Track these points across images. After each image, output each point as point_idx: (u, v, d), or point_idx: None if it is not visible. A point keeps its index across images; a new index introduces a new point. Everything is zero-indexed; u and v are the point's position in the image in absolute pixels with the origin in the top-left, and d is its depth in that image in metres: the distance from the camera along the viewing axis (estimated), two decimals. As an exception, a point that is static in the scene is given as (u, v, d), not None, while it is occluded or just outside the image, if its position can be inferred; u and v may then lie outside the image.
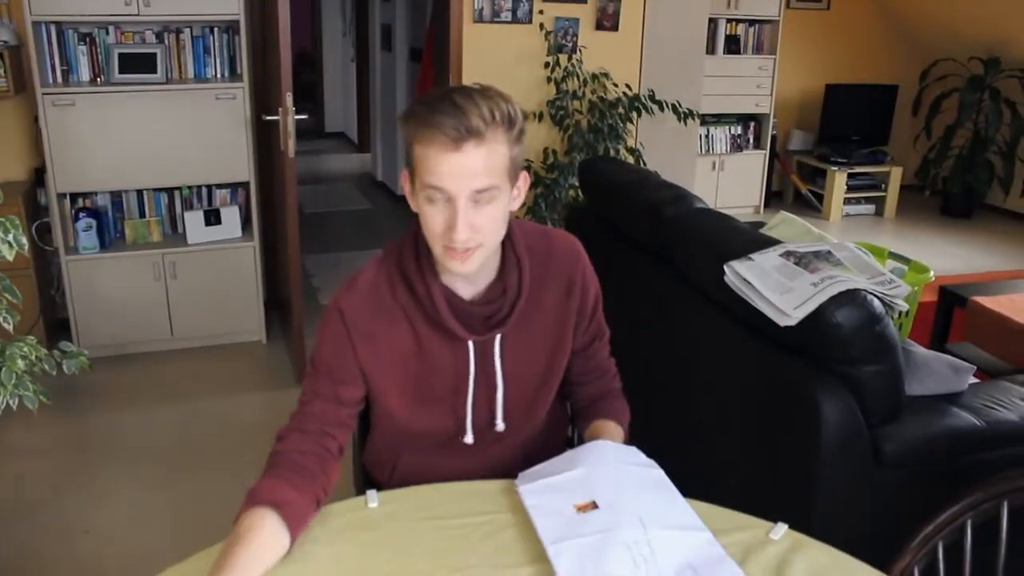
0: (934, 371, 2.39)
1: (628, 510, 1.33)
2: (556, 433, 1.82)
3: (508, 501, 1.45)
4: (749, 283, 2.25)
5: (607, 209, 3.34)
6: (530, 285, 1.56)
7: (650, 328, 2.89)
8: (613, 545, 1.26)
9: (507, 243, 1.53)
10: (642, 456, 1.51)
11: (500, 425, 1.62)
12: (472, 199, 1.36)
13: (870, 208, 7.38)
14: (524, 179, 1.47)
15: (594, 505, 1.35)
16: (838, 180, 7.09)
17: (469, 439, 1.61)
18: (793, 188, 7.62)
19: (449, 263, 1.43)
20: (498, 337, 1.55)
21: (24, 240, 2.46)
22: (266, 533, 1.30)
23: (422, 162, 1.36)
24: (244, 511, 1.34)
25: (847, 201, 7.25)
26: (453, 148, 1.33)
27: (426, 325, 1.52)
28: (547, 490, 1.42)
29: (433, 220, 1.39)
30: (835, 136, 7.32)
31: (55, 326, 4.22)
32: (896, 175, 7.26)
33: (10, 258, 2.44)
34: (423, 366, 1.54)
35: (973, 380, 2.44)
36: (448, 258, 1.42)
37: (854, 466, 2.10)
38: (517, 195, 1.47)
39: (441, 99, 1.36)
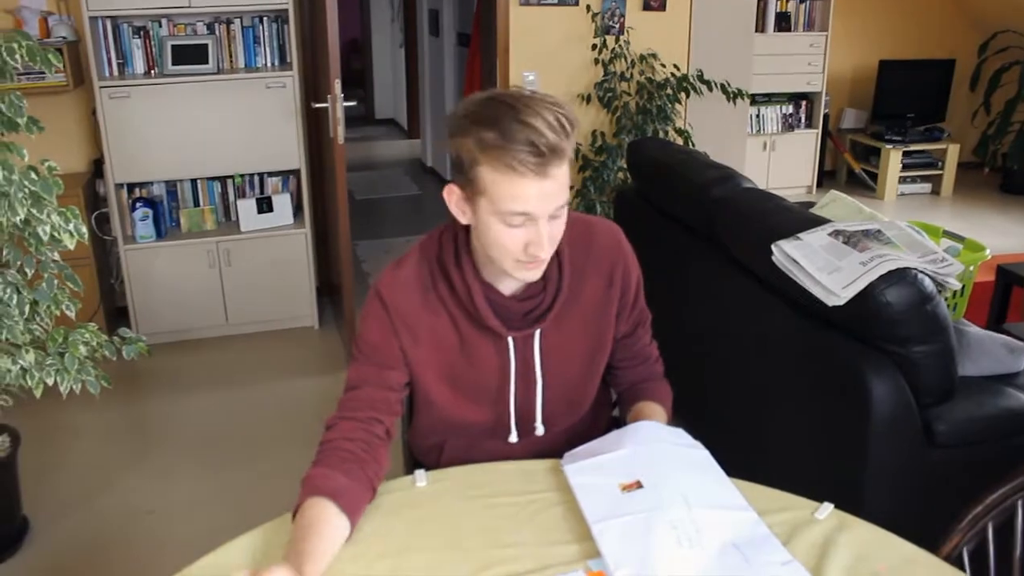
0: (988, 351, 2.35)
1: (673, 490, 1.34)
2: (599, 418, 1.82)
3: (555, 480, 1.47)
4: (797, 262, 2.24)
5: (655, 190, 3.33)
6: (572, 276, 1.55)
7: (699, 309, 2.88)
8: (657, 524, 1.27)
9: None
10: (687, 437, 1.51)
11: (540, 428, 1.63)
12: (552, 215, 1.37)
13: (926, 187, 7.22)
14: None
15: (639, 485, 1.36)
16: (893, 158, 6.95)
17: (513, 438, 1.63)
18: (846, 167, 7.49)
19: (522, 274, 1.43)
20: (538, 333, 1.55)
21: (84, 229, 2.53)
22: (331, 525, 1.30)
23: (498, 189, 1.33)
24: (303, 501, 1.34)
25: (902, 180, 7.11)
26: (538, 175, 1.31)
27: (467, 321, 1.52)
28: (592, 470, 1.43)
29: (511, 241, 1.37)
30: (889, 114, 7.16)
31: (114, 314, 4.34)
32: (953, 152, 7.09)
33: (71, 247, 2.51)
34: (466, 361, 1.55)
35: (1030, 360, 2.40)
36: (521, 269, 1.42)
37: (905, 446, 2.08)
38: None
39: (508, 119, 1.30)
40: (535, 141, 1.28)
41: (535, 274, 1.44)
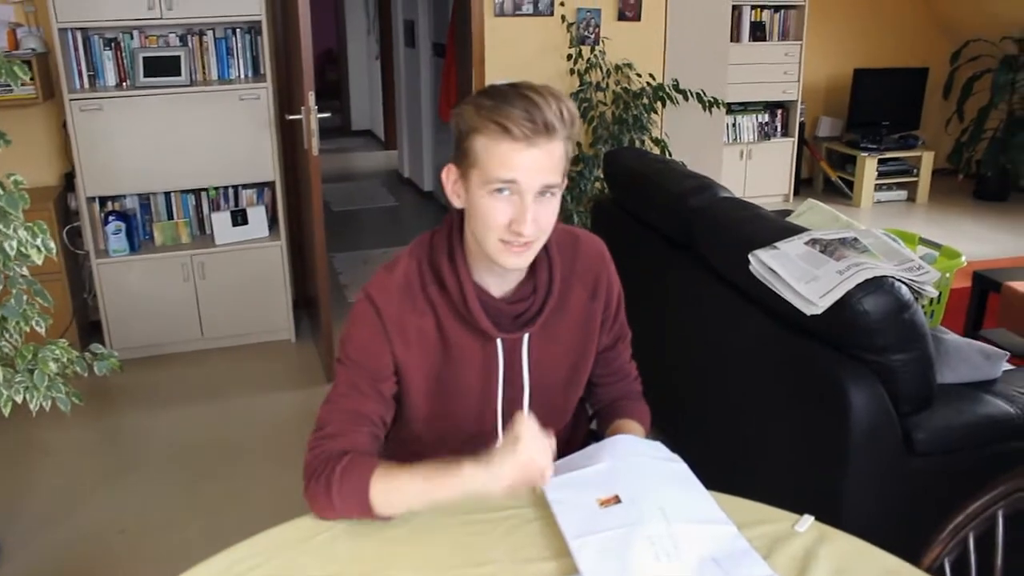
0: (966, 358, 2.35)
1: (651, 504, 1.32)
2: (579, 429, 1.80)
3: (531, 496, 1.44)
4: (774, 272, 2.23)
5: (632, 200, 3.32)
6: (560, 283, 1.54)
7: (676, 319, 2.87)
8: (636, 539, 1.25)
9: None
10: (665, 450, 1.50)
11: None
12: (540, 193, 1.36)
13: (902, 194, 7.28)
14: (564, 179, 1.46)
15: (617, 499, 1.34)
16: (868, 166, 7.00)
17: (500, 443, 1.60)
18: (823, 175, 7.53)
19: (504, 258, 1.41)
20: (526, 337, 1.54)
21: (52, 244, 2.49)
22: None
23: (489, 155, 1.35)
24: (370, 473, 1.36)
25: (878, 187, 7.16)
26: (527, 142, 1.32)
27: (455, 322, 1.50)
28: (570, 485, 1.41)
29: (497, 214, 1.37)
30: (864, 121, 7.21)
31: (88, 329, 4.28)
32: (928, 159, 7.15)
33: (39, 262, 2.47)
34: (449, 364, 1.53)
35: (1007, 367, 2.41)
36: (504, 252, 1.40)
37: (884, 455, 2.07)
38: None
39: (510, 92, 1.35)
40: (530, 110, 1.32)
41: (519, 261, 1.41)
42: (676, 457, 1.48)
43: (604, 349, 1.69)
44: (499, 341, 1.52)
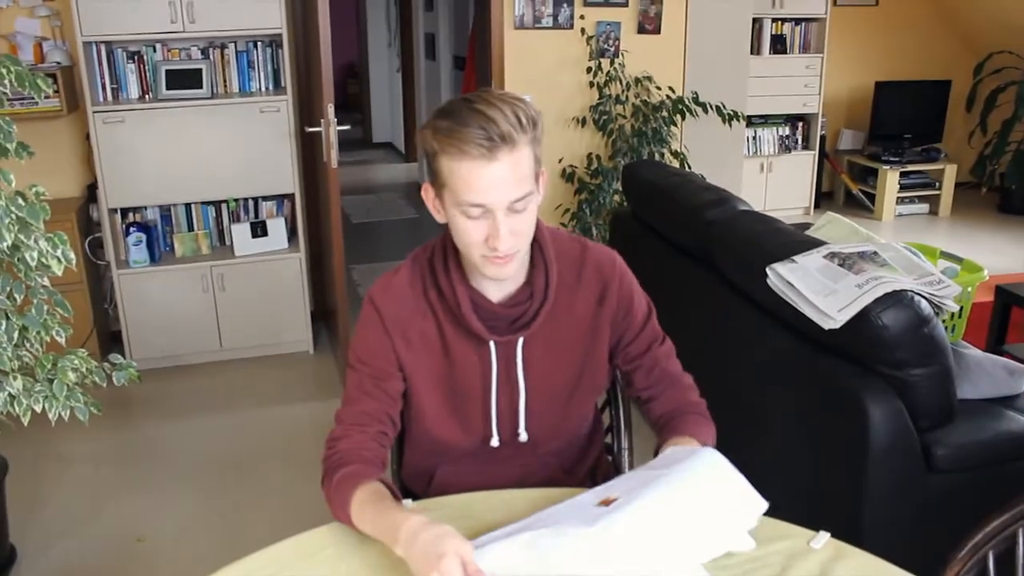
0: (988, 374, 2.33)
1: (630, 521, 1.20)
2: (593, 444, 1.79)
3: (542, 508, 1.43)
4: (792, 285, 2.21)
5: (650, 213, 3.32)
6: (560, 291, 1.55)
7: (695, 332, 2.86)
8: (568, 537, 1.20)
9: (535, 247, 1.53)
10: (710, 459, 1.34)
11: (523, 435, 1.60)
12: (510, 208, 1.36)
13: (924, 207, 7.21)
14: (543, 175, 1.46)
15: (608, 502, 1.26)
16: (890, 179, 6.94)
17: (495, 442, 1.60)
18: (844, 188, 7.48)
19: (489, 270, 1.43)
20: (520, 341, 1.54)
21: (72, 255, 2.50)
22: (389, 495, 1.38)
23: (454, 177, 1.35)
24: (351, 493, 1.37)
25: (900, 200, 7.10)
26: (488, 159, 1.32)
27: (452, 324, 1.53)
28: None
29: (472, 232, 1.38)
30: (886, 134, 7.17)
31: (108, 339, 4.31)
32: (950, 173, 7.09)
33: (59, 273, 2.48)
34: (450, 366, 1.55)
35: (1029, 382, 2.37)
36: (488, 264, 1.42)
37: (903, 471, 2.05)
38: (540, 190, 1.45)
39: (463, 109, 1.34)
40: (484, 126, 1.31)
41: (503, 271, 1.43)
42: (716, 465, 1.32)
43: (638, 354, 1.65)
44: (492, 344, 1.53)
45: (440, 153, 1.36)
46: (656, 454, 1.50)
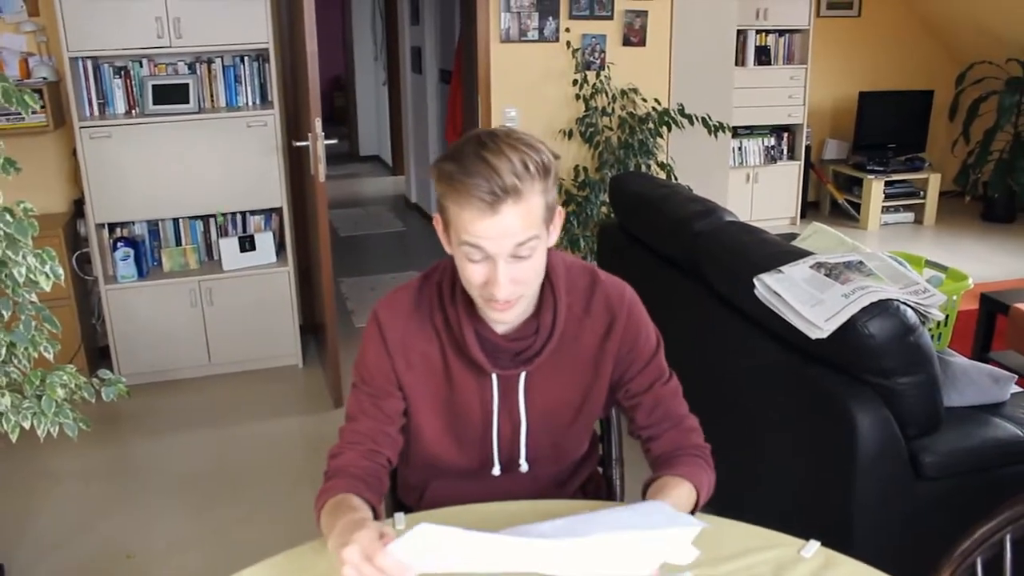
0: (974, 381, 2.35)
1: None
2: (588, 461, 1.78)
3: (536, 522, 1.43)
4: (779, 296, 2.23)
5: (637, 225, 3.33)
6: (568, 323, 1.52)
7: (682, 343, 2.87)
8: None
9: (547, 281, 1.49)
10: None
11: (524, 466, 1.60)
12: (512, 255, 1.33)
13: (909, 216, 7.27)
14: (559, 215, 1.43)
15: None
16: (875, 188, 7.00)
17: (496, 471, 1.60)
18: (829, 198, 7.53)
19: (489, 313, 1.42)
20: (523, 375, 1.53)
21: (60, 271, 2.49)
22: (359, 501, 1.39)
23: (457, 219, 1.33)
24: (322, 506, 1.39)
25: (885, 210, 7.15)
26: (490, 212, 1.28)
27: (455, 352, 1.51)
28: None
29: (473, 274, 1.36)
30: (870, 144, 7.22)
31: (96, 354, 4.29)
32: (934, 182, 7.15)
33: (47, 288, 2.48)
34: (451, 390, 1.54)
35: (1016, 389, 2.39)
36: (488, 308, 1.40)
37: (891, 479, 2.06)
38: (553, 231, 1.42)
39: (470, 156, 1.30)
40: (489, 179, 1.27)
41: (503, 316, 1.40)
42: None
43: (639, 392, 1.59)
44: (494, 376, 1.52)
45: (444, 195, 1.34)
46: (644, 490, 1.48)
